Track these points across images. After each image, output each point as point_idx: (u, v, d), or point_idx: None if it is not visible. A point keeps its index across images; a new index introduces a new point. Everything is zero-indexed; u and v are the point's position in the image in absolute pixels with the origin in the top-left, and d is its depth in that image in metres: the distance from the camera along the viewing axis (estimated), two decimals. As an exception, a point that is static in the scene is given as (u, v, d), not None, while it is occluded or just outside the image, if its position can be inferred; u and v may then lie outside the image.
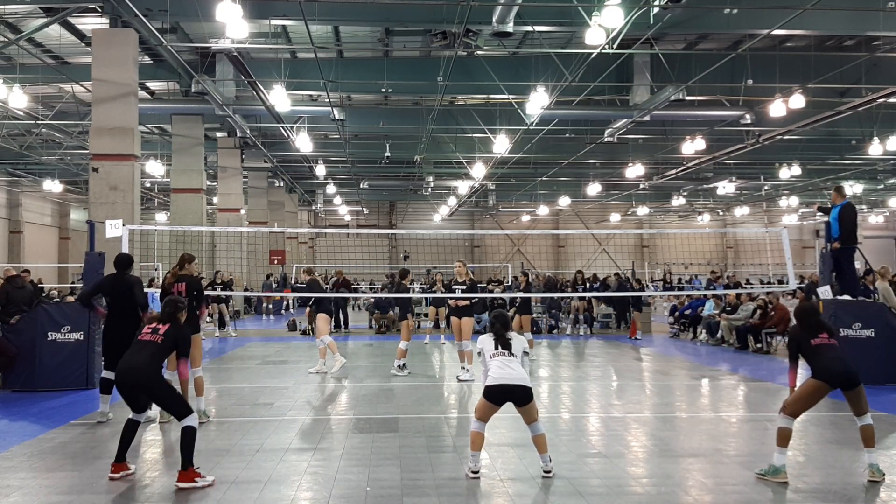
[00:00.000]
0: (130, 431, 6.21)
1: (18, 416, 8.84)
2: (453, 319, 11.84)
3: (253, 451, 6.99)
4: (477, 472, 6.12)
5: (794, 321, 6.46)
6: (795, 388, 6.22)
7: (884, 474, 5.95)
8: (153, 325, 6.38)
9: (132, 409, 6.23)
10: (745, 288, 21.81)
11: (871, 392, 9.91)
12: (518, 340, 6.35)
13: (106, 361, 8.54)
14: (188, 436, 5.92)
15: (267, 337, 19.79)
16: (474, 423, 6.21)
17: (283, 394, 10.30)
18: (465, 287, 11.70)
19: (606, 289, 21.68)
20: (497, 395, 6.09)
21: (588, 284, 22.04)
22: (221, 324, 20.60)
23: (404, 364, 12.07)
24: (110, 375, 8.37)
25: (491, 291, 20.86)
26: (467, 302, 11.71)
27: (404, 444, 7.24)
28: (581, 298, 20.03)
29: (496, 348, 6.24)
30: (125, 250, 11.34)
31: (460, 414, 9.07)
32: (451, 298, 11.86)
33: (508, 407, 8.68)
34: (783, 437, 6.00)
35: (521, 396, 6.06)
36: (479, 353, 6.46)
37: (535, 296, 21.91)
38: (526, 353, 6.36)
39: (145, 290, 16.70)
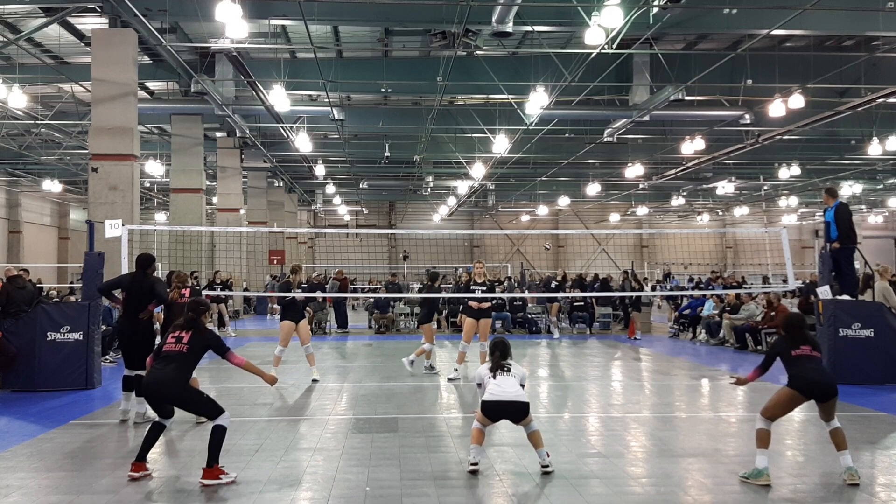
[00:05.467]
0: (155, 434, 6.24)
1: (18, 416, 8.84)
2: (470, 320, 11.50)
3: (253, 451, 6.99)
4: (476, 465, 6.16)
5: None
6: (752, 381, 6.44)
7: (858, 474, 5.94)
8: (177, 333, 6.31)
9: (159, 415, 6.29)
10: (747, 287, 21.81)
11: (870, 392, 9.97)
12: (517, 368, 6.34)
13: (125, 360, 8.64)
14: (217, 434, 6.00)
15: (266, 337, 19.78)
16: (476, 422, 6.28)
17: (283, 394, 10.30)
18: (485, 288, 11.53)
19: (606, 288, 21.59)
20: (493, 412, 6.16)
21: (597, 285, 21.84)
22: (221, 324, 20.60)
23: (432, 365, 12.11)
24: (130, 373, 8.45)
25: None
26: (488, 304, 11.60)
27: (404, 444, 7.24)
28: (553, 300, 19.25)
29: (494, 370, 6.28)
30: (124, 250, 11.35)
31: (460, 414, 9.07)
32: (471, 299, 11.59)
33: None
34: (761, 439, 6.02)
35: (516, 413, 6.13)
36: (478, 385, 6.46)
37: (530, 296, 21.91)
38: (522, 385, 6.30)
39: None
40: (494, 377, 6.22)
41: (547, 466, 6.14)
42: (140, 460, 6.15)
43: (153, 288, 8.51)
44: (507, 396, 6.09)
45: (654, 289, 24.98)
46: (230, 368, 12.67)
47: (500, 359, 6.36)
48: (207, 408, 6.18)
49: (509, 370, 6.27)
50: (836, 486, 5.89)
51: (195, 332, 6.30)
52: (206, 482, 5.91)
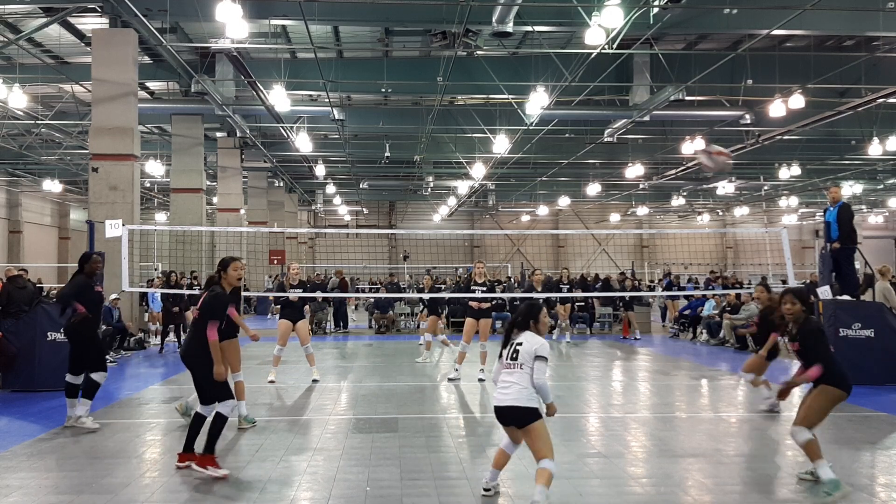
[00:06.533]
0: (196, 425, 6.36)
1: (18, 416, 8.84)
2: (470, 320, 11.46)
3: (253, 451, 6.99)
4: (488, 491, 5.50)
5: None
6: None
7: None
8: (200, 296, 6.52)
9: (199, 399, 6.39)
10: (747, 288, 21.81)
11: (871, 392, 9.96)
12: (530, 343, 5.24)
13: (70, 364, 8.14)
14: (217, 422, 6.14)
15: (266, 337, 19.75)
16: (502, 439, 5.52)
17: (283, 394, 10.30)
18: (485, 288, 11.51)
19: (608, 289, 21.58)
20: (498, 416, 5.34)
21: (598, 285, 21.73)
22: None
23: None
24: (72, 379, 8.01)
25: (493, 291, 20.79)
26: (488, 304, 11.58)
27: (404, 444, 7.24)
28: (562, 301, 18.34)
29: (506, 356, 5.34)
30: (125, 250, 11.35)
31: (460, 414, 9.07)
32: (471, 300, 11.55)
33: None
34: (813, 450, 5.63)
35: (514, 419, 5.18)
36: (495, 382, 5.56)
37: (529, 296, 21.86)
38: (541, 358, 5.20)
39: (145, 290, 16.57)
40: (502, 367, 5.30)
41: None
42: (187, 451, 6.29)
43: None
44: (501, 402, 5.22)
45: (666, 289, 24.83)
46: (230, 368, 12.70)
47: (518, 326, 5.35)
48: (207, 388, 6.21)
49: (515, 357, 5.23)
50: (836, 486, 5.89)
51: (207, 292, 6.37)
52: (191, 464, 6.07)
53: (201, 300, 6.41)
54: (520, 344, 5.27)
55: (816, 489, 5.75)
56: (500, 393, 5.26)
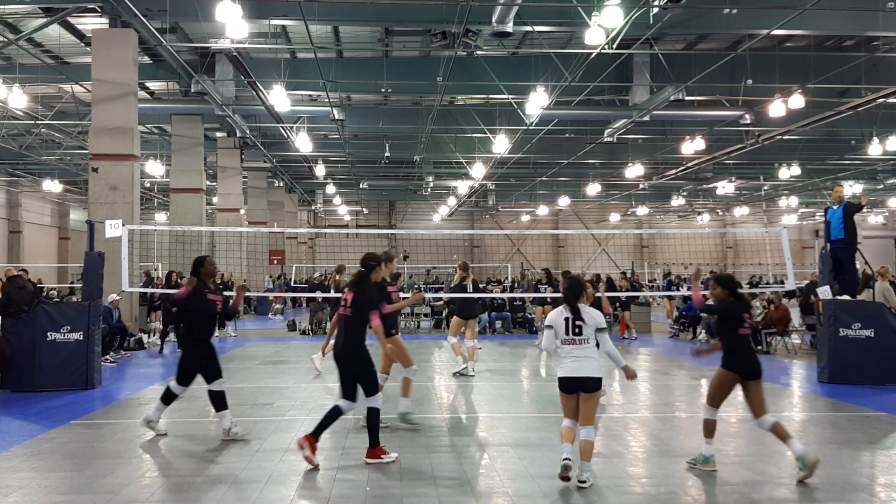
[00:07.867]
0: (331, 416, 6.46)
1: (18, 416, 8.84)
2: (456, 319, 12.19)
3: (253, 451, 6.99)
4: (569, 460, 5.75)
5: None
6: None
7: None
8: (344, 295, 6.50)
9: (342, 392, 6.51)
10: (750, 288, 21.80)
11: (871, 392, 9.97)
12: (591, 317, 5.94)
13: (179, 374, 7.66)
14: (372, 416, 6.36)
15: (266, 337, 19.79)
16: (564, 419, 5.99)
17: (282, 394, 10.30)
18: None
19: (613, 289, 21.48)
20: (570, 386, 5.89)
21: (599, 284, 21.65)
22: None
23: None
24: (178, 389, 7.62)
25: (490, 291, 20.86)
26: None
27: (404, 444, 7.24)
28: (543, 302, 17.09)
29: (566, 332, 5.89)
30: (125, 250, 11.32)
31: (460, 414, 9.07)
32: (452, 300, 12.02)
33: (503, 407, 8.71)
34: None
35: (591, 386, 5.88)
36: (549, 326, 6.05)
37: (529, 296, 21.87)
38: (602, 329, 5.97)
39: (145, 290, 16.55)
40: (566, 342, 5.88)
41: (584, 482, 5.74)
42: (314, 436, 6.35)
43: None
44: (581, 373, 5.84)
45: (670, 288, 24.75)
46: (231, 367, 12.70)
47: (573, 301, 5.89)
48: (367, 382, 6.37)
49: (579, 332, 5.86)
50: (836, 486, 5.89)
51: (356, 291, 6.35)
52: (368, 461, 6.36)
53: (351, 299, 6.37)
54: (579, 319, 5.85)
55: (815, 492, 5.76)
56: (579, 365, 5.84)
